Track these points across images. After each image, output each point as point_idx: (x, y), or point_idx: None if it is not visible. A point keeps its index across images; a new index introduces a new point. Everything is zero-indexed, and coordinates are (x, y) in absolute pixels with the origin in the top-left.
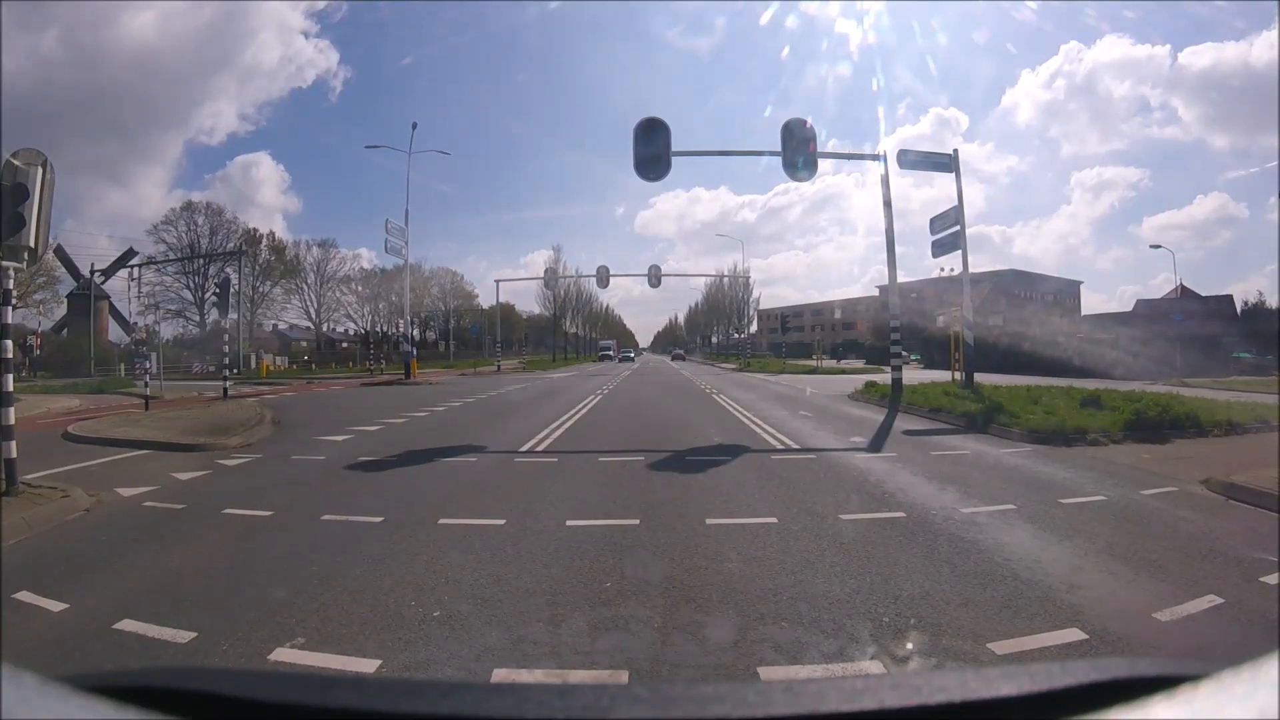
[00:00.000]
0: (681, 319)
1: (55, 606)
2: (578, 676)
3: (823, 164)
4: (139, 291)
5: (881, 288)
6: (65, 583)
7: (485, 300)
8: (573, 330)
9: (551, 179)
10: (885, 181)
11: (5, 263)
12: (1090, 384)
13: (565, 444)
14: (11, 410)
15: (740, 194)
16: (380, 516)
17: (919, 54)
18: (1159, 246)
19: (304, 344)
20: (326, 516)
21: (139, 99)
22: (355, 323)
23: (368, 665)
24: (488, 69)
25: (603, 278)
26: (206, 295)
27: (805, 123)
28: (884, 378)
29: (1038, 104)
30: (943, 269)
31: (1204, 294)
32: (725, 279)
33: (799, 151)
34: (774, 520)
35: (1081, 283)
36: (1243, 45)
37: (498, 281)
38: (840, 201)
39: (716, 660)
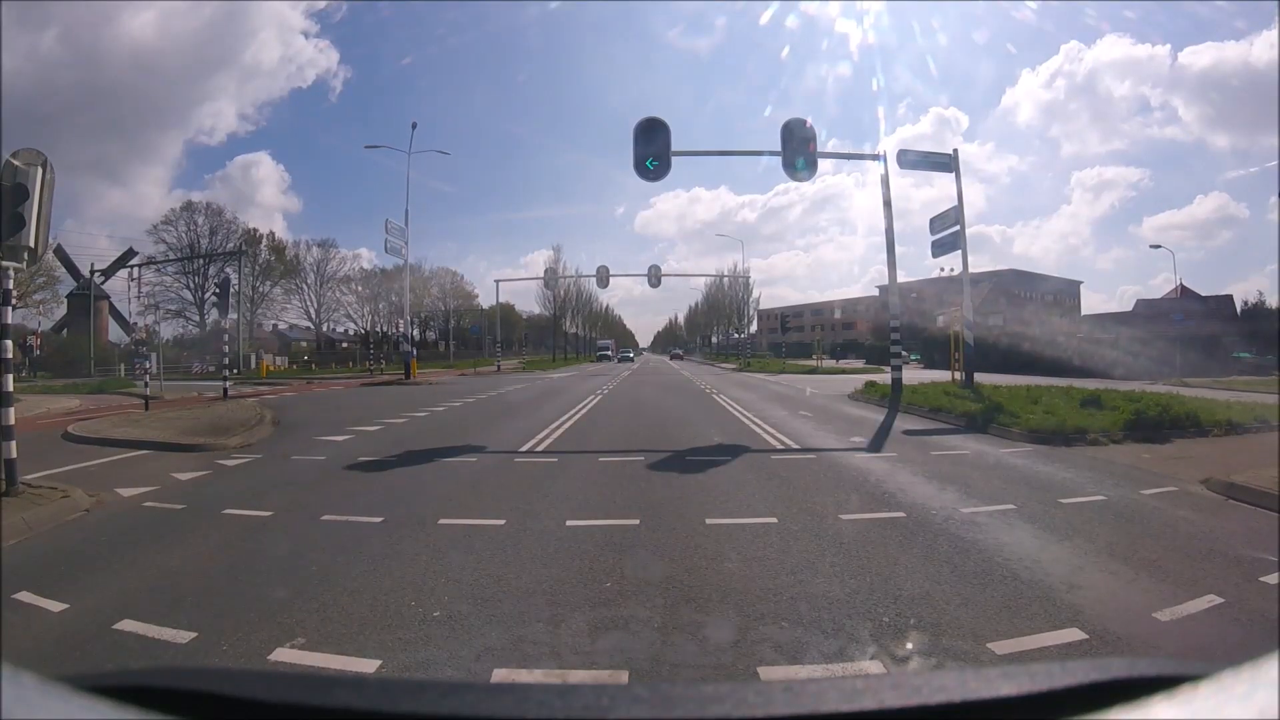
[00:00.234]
0: (681, 319)
1: (55, 607)
2: (578, 676)
3: (823, 164)
4: (139, 291)
5: (881, 288)
6: (65, 583)
7: (485, 300)
8: (573, 330)
9: (551, 179)
10: (885, 181)
11: (5, 263)
12: (1090, 384)
13: (565, 444)
14: (11, 410)
15: (740, 194)
16: (380, 517)
17: (919, 54)
18: (1159, 246)
19: (304, 344)
20: (326, 517)
21: (139, 99)
22: (355, 323)
23: (368, 665)
24: (488, 69)
25: (603, 278)
26: (206, 295)
27: (805, 122)
28: (884, 378)
29: (1038, 104)
30: (943, 269)
31: (1204, 294)
32: (725, 279)
33: (799, 151)
34: (774, 520)
35: (1081, 283)
36: (1243, 45)
37: (498, 281)
38: (840, 201)
39: (716, 660)
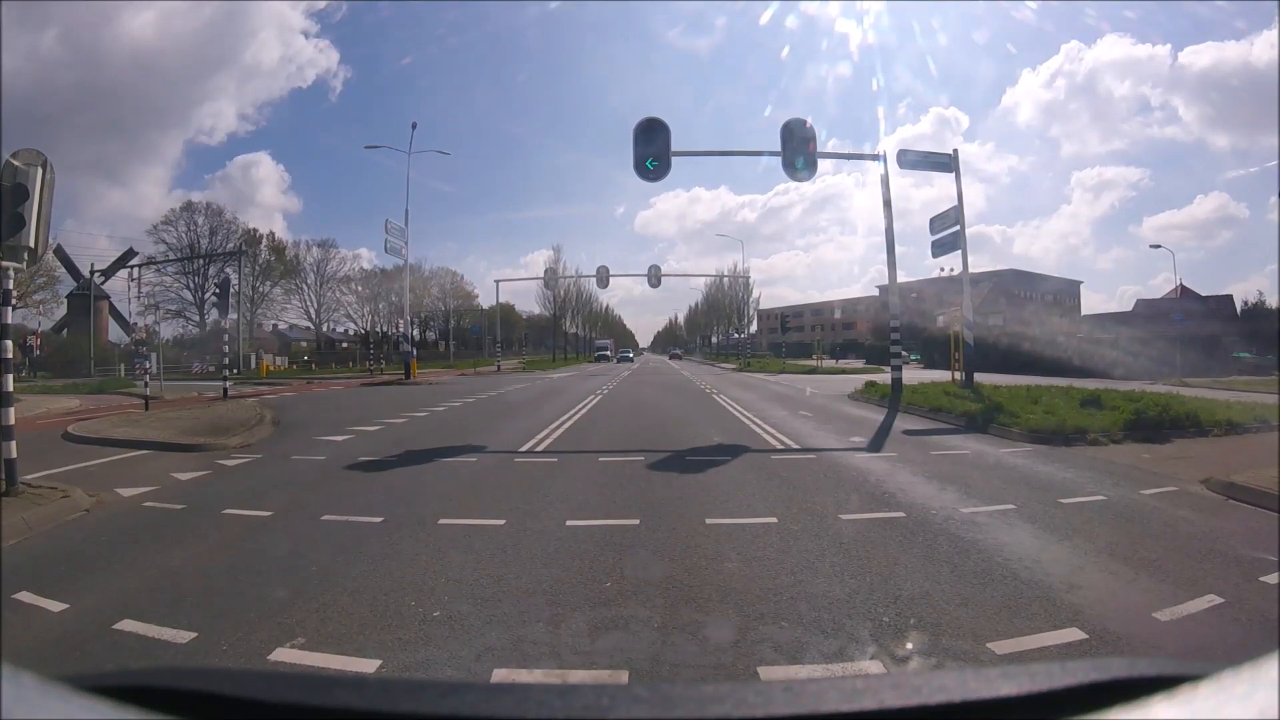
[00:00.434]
0: (681, 319)
1: (55, 607)
2: (578, 676)
3: (823, 164)
4: (139, 291)
5: (881, 288)
6: (65, 583)
7: (485, 300)
8: (573, 330)
9: (551, 179)
10: (885, 181)
11: (5, 263)
12: (1090, 384)
13: (565, 444)
14: (11, 410)
15: (740, 194)
16: (380, 516)
17: (919, 54)
18: (1159, 246)
19: (304, 344)
20: (326, 517)
21: (139, 99)
22: (355, 323)
23: (368, 665)
24: (488, 69)
25: (603, 278)
26: (206, 295)
27: (805, 122)
28: (884, 377)
29: (1038, 104)
30: (943, 269)
31: (1204, 294)
32: (725, 279)
33: (799, 151)
34: (774, 520)
35: (1081, 283)
36: (1243, 45)
37: (498, 281)
38: (840, 201)
39: (716, 660)
